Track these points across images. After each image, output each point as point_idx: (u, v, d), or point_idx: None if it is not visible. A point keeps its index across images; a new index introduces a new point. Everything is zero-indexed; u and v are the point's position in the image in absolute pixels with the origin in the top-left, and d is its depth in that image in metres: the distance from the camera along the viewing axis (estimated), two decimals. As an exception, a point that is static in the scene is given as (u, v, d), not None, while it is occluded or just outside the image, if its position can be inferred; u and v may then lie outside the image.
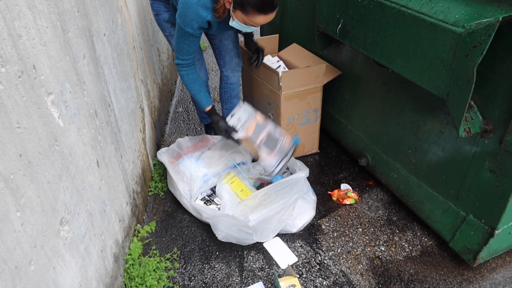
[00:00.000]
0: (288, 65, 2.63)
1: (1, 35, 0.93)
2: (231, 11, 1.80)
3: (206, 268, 1.93)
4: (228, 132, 2.15)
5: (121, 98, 1.93)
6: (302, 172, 2.09)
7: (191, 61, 2.06)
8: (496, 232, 1.67)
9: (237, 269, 1.92)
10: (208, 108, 2.20)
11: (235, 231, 1.92)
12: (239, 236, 1.93)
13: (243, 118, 2.16)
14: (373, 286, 1.83)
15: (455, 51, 1.42)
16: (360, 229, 2.13)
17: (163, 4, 2.18)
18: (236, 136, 2.15)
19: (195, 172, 2.25)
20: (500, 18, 1.24)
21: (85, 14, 1.52)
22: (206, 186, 2.24)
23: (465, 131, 1.53)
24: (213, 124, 2.23)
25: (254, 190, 2.15)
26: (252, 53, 2.47)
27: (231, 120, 2.19)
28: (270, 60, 2.65)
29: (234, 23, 1.85)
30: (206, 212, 2.01)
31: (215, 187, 2.21)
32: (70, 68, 1.33)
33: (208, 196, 2.23)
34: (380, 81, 2.12)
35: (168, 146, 2.44)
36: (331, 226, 2.16)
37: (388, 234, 2.10)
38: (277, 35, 2.85)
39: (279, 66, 2.60)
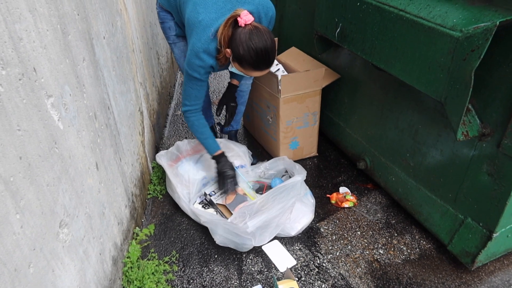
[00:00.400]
0: (287, 69, 2.64)
1: (2, 38, 0.94)
2: (230, 59, 1.85)
3: (205, 271, 1.93)
4: (228, 189, 2.12)
5: (120, 101, 1.93)
6: (299, 176, 2.09)
7: (199, 107, 2.08)
8: (494, 235, 1.68)
9: (236, 272, 1.92)
10: (218, 153, 2.15)
11: (233, 236, 1.92)
12: (237, 240, 1.93)
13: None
14: (371, 289, 1.83)
15: (453, 55, 1.43)
16: (359, 232, 2.13)
17: (170, 14, 2.19)
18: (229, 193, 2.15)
19: (193, 175, 2.25)
20: (498, 23, 1.25)
21: (85, 17, 1.53)
22: (204, 189, 2.24)
23: (463, 134, 1.54)
24: (218, 170, 2.15)
25: (253, 193, 2.15)
26: (223, 109, 2.39)
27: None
28: (269, 64, 2.66)
29: (233, 69, 1.92)
30: (204, 216, 2.01)
31: (213, 191, 2.21)
32: (70, 71, 1.34)
33: (208, 201, 2.23)
34: (378, 85, 2.13)
35: (167, 149, 2.45)
36: (330, 229, 2.16)
37: (387, 237, 2.10)
38: (276, 38, 2.86)
39: (278, 69, 2.61)
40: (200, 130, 2.13)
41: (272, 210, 1.97)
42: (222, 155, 2.16)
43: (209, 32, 1.82)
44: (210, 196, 2.16)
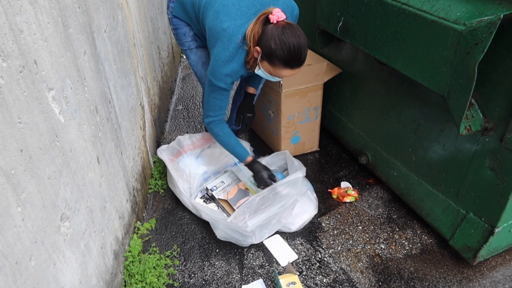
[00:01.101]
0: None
1: (2, 30, 0.93)
2: (258, 60, 1.78)
3: (206, 265, 1.93)
4: (268, 184, 2.05)
5: (121, 95, 1.93)
6: (300, 172, 2.08)
7: (223, 117, 2.02)
8: (496, 230, 1.67)
9: (237, 267, 1.92)
10: (249, 160, 2.08)
11: (234, 232, 1.92)
12: (238, 237, 1.93)
13: (226, 181, 2.19)
14: (373, 284, 1.83)
15: (456, 49, 1.42)
16: (360, 227, 2.13)
17: (183, 21, 2.13)
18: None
19: (194, 169, 2.25)
20: (502, 16, 1.24)
21: (86, 10, 1.52)
22: (206, 184, 2.24)
23: (465, 129, 1.53)
24: (254, 174, 2.10)
25: (254, 188, 2.15)
26: (239, 120, 2.33)
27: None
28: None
29: (259, 71, 1.83)
30: (204, 212, 2.01)
31: (215, 186, 2.21)
32: (71, 64, 1.33)
33: (209, 195, 2.23)
34: (380, 79, 2.12)
35: (168, 143, 2.44)
36: (331, 224, 2.16)
37: (388, 232, 2.10)
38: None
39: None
40: (226, 140, 2.07)
41: (273, 208, 1.96)
42: (254, 161, 2.09)
43: (237, 39, 1.76)
44: (212, 191, 2.16)
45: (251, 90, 2.29)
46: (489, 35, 1.27)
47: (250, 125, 2.35)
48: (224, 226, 1.92)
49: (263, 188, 2.04)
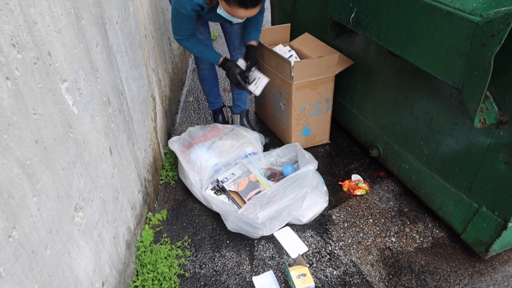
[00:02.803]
0: (300, 55, 2.62)
1: (17, 22, 0.94)
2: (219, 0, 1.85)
3: (217, 256, 1.95)
4: (237, 80, 2.23)
5: (133, 86, 1.93)
6: (311, 165, 2.08)
7: (190, 33, 2.15)
8: (510, 224, 1.65)
9: (247, 258, 1.93)
10: (220, 61, 2.25)
11: (244, 224, 1.93)
12: (248, 228, 1.94)
13: (237, 173, 2.20)
14: (383, 277, 1.83)
15: (471, 41, 1.39)
16: (371, 220, 2.12)
17: None
18: (249, 88, 2.26)
19: (205, 161, 2.26)
20: (520, 6, 1.21)
21: (98, 2, 1.52)
22: (217, 176, 2.25)
23: (480, 122, 1.51)
24: (226, 71, 2.27)
25: (265, 180, 2.15)
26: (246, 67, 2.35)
27: (241, 63, 2.29)
28: (282, 50, 2.64)
29: (220, 11, 1.91)
30: (215, 204, 2.02)
31: (226, 178, 2.21)
32: (83, 55, 1.34)
33: (220, 187, 2.24)
34: (393, 71, 2.10)
35: (178, 135, 2.45)
36: (342, 216, 2.16)
37: (399, 225, 2.09)
38: (289, 24, 2.83)
39: (291, 55, 2.58)
40: (196, 48, 2.22)
41: (283, 201, 1.97)
42: (226, 60, 2.26)
43: None
44: (223, 182, 2.17)
45: (252, 42, 2.33)
46: (506, 26, 1.25)
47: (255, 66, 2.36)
48: (235, 217, 1.93)
49: (273, 181, 2.05)
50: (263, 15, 2.28)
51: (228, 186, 2.15)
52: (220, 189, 2.21)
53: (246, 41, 2.35)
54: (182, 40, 2.17)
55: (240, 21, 1.99)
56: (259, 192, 2.08)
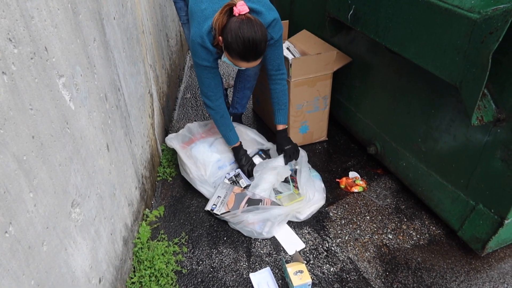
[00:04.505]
0: (298, 52, 2.61)
1: (13, 16, 0.93)
2: (223, 49, 1.84)
3: (214, 253, 1.95)
4: (248, 171, 2.27)
5: (130, 82, 1.93)
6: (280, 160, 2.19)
7: (220, 93, 2.11)
8: (506, 221, 1.66)
9: (244, 255, 1.93)
10: (236, 145, 2.27)
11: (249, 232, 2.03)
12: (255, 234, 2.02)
13: (221, 195, 2.17)
14: (380, 273, 1.83)
15: (470, 38, 1.39)
16: (368, 217, 2.13)
17: None
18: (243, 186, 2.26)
19: (208, 157, 2.26)
20: (518, 4, 1.21)
21: (95, -3, 1.51)
22: (220, 173, 2.28)
23: (477, 119, 1.51)
24: (236, 160, 2.31)
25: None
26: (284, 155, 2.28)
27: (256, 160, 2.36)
28: (280, 47, 2.63)
29: (225, 59, 1.89)
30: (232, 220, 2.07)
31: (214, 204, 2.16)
32: (81, 51, 1.33)
33: (235, 176, 2.26)
34: (391, 69, 2.10)
35: (176, 132, 2.45)
36: (339, 213, 2.16)
37: (396, 222, 2.09)
38: (287, 21, 2.82)
39: (289, 52, 2.58)
40: (221, 122, 2.20)
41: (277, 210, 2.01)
42: (240, 147, 2.28)
43: (211, 22, 1.80)
44: (212, 210, 2.11)
45: (280, 127, 2.29)
46: (505, 24, 1.25)
47: (295, 156, 2.28)
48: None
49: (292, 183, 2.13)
50: (285, 90, 2.21)
51: (219, 210, 2.09)
52: (234, 181, 2.27)
53: (275, 122, 2.30)
54: (213, 104, 2.11)
55: (243, 68, 1.97)
56: (248, 199, 2.09)
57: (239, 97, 2.59)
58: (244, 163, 2.27)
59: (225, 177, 2.26)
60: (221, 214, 2.07)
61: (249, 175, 2.27)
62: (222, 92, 2.12)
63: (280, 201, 2.10)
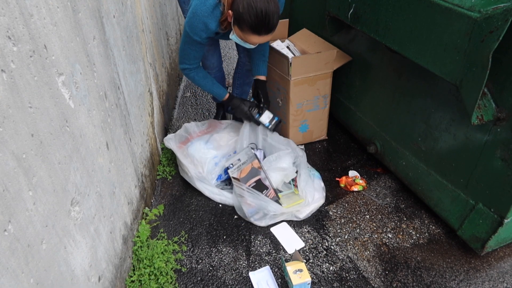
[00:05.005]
0: (298, 51, 2.61)
1: (13, 14, 0.93)
2: (232, 24, 1.81)
3: (214, 251, 1.95)
4: (248, 115, 2.25)
5: (130, 81, 1.92)
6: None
7: (197, 65, 2.10)
8: (506, 221, 1.66)
9: (244, 253, 1.93)
10: (225, 98, 2.25)
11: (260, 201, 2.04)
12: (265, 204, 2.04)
13: (242, 159, 2.18)
14: (379, 272, 1.83)
15: (470, 37, 1.39)
16: (368, 216, 2.13)
17: None
18: (257, 118, 2.25)
19: (204, 154, 2.26)
20: (519, 3, 1.21)
21: (95, -5, 1.51)
22: (218, 168, 2.27)
23: (477, 118, 1.51)
24: (234, 109, 2.28)
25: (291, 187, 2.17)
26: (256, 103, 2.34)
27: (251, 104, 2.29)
28: (280, 45, 2.63)
29: (233, 36, 1.87)
30: (225, 196, 2.13)
31: (231, 164, 2.21)
32: (80, 49, 1.33)
33: (258, 108, 2.28)
34: (391, 68, 2.09)
35: (175, 130, 2.45)
36: (339, 212, 2.16)
37: (396, 221, 2.09)
38: (287, 20, 2.82)
39: (289, 51, 2.57)
40: (203, 82, 2.19)
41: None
42: (231, 97, 2.27)
43: None
44: (229, 168, 2.16)
45: (261, 77, 2.29)
46: (505, 22, 1.25)
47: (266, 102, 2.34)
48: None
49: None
50: (268, 43, 2.26)
51: (232, 172, 2.15)
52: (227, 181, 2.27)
53: (254, 73, 2.32)
54: (191, 70, 2.11)
55: (252, 46, 1.95)
56: (259, 179, 2.11)
57: (238, 94, 2.59)
58: (245, 109, 2.23)
59: (228, 167, 2.24)
60: (233, 177, 2.12)
61: (255, 115, 2.25)
62: (199, 62, 2.11)
63: (280, 200, 2.10)
